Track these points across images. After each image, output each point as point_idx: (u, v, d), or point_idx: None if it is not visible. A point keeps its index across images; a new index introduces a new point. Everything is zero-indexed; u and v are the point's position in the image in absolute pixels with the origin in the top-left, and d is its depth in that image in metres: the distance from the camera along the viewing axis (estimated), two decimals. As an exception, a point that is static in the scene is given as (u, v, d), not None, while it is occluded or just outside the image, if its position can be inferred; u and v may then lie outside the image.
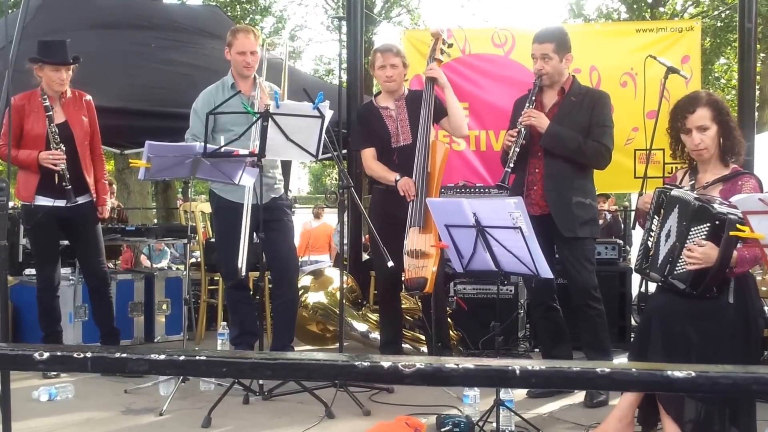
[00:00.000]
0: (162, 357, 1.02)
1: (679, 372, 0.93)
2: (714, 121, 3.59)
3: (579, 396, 4.61)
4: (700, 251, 3.27)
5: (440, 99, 5.24)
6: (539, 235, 3.70)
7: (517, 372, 0.98)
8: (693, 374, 0.93)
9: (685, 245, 3.36)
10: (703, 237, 3.30)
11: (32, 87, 5.15)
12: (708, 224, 3.28)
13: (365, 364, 1.00)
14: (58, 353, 1.04)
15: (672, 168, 5.50)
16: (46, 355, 1.04)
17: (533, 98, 4.73)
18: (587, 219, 4.70)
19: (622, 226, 9.71)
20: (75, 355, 1.03)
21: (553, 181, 4.69)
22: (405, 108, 5.20)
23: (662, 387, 0.94)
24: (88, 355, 1.03)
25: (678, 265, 3.41)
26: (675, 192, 3.56)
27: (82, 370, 1.04)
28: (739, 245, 3.27)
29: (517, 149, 4.64)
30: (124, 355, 1.03)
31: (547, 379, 0.99)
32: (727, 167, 3.62)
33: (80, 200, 5.21)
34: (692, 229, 3.35)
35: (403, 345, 5.52)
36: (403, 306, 5.68)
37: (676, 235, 3.45)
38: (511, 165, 4.66)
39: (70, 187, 5.04)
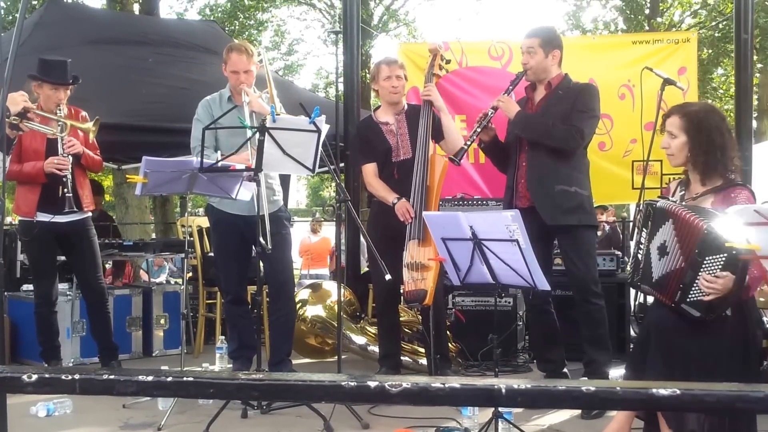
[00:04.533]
0: (150, 378, 1.02)
1: (664, 390, 0.93)
2: (683, 131, 3.57)
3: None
4: (721, 283, 3.21)
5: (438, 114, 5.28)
6: (532, 230, 3.71)
7: (503, 391, 0.98)
8: (678, 392, 0.93)
9: (700, 275, 3.29)
10: (720, 267, 3.24)
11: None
12: (725, 254, 3.21)
13: (352, 383, 1.01)
14: (46, 375, 1.04)
15: (669, 179, 5.51)
16: (34, 377, 1.04)
17: (511, 87, 4.86)
18: (572, 206, 4.70)
19: (621, 237, 9.71)
20: (63, 377, 1.03)
21: (537, 171, 4.75)
22: (405, 122, 5.21)
23: (647, 405, 0.94)
24: (76, 377, 1.03)
25: (691, 293, 3.33)
26: (661, 204, 3.54)
27: (70, 392, 1.04)
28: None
29: (479, 129, 4.79)
30: (111, 376, 1.03)
31: (532, 399, 0.99)
32: (722, 179, 3.59)
33: (76, 216, 5.21)
34: (707, 258, 3.27)
35: (402, 357, 5.51)
36: (401, 318, 5.67)
37: (683, 258, 3.38)
38: (468, 143, 4.86)
39: (71, 194, 5.05)
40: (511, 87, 4.86)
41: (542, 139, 4.71)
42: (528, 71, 4.81)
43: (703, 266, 3.28)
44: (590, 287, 4.70)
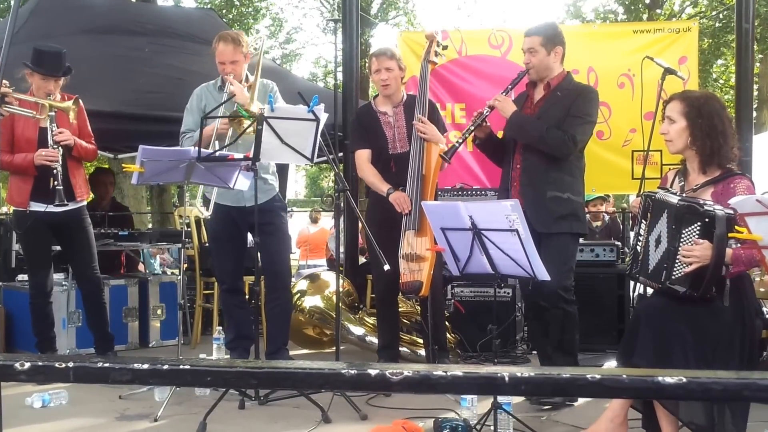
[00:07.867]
0: (145, 366, 1.00)
1: (670, 378, 0.91)
2: (683, 115, 3.56)
3: (578, 399, 4.58)
4: (698, 249, 3.24)
5: (434, 103, 5.24)
6: None
7: (506, 379, 0.96)
8: (684, 380, 0.91)
9: (679, 248, 3.33)
10: (696, 236, 3.27)
11: (23, 91, 5.12)
12: (699, 223, 3.26)
13: (352, 371, 0.99)
14: (39, 363, 1.02)
15: (668, 169, 5.49)
16: (27, 365, 1.01)
17: (510, 87, 4.77)
18: (564, 214, 4.60)
19: (621, 227, 9.69)
20: (56, 365, 1.01)
21: (529, 176, 4.66)
22: (403, 114, 5.15)
23: (653, 393, 0.92)
24: (70, 365, 1.01)
25: (675, 269, 3.36)
26: (659, 195, 3.53)
27: (64, 380, 1.02)
28: (736, 245, 3.25)
29: (472, 127, 4.70)
30: (106, 364, 1.00)
31: (536, 386, 0.97)
32: (720, 169, 3.56)
33: (71, 205, 5.17)
34: (683, 231, 3.32)
35: (400, 348, 5.49)
36: (400, 309, 5.65)
37: (667, 240, 3.41)
38: (461, 140, 4.77)
39: (61, 187, 5.00)
40: (510, 86, 4.75)
41: (535, 144, 4.63)
42: (530, 70, 4.70)
43: (682, 239, 3.31)
44: (560, 294, 4.54)
